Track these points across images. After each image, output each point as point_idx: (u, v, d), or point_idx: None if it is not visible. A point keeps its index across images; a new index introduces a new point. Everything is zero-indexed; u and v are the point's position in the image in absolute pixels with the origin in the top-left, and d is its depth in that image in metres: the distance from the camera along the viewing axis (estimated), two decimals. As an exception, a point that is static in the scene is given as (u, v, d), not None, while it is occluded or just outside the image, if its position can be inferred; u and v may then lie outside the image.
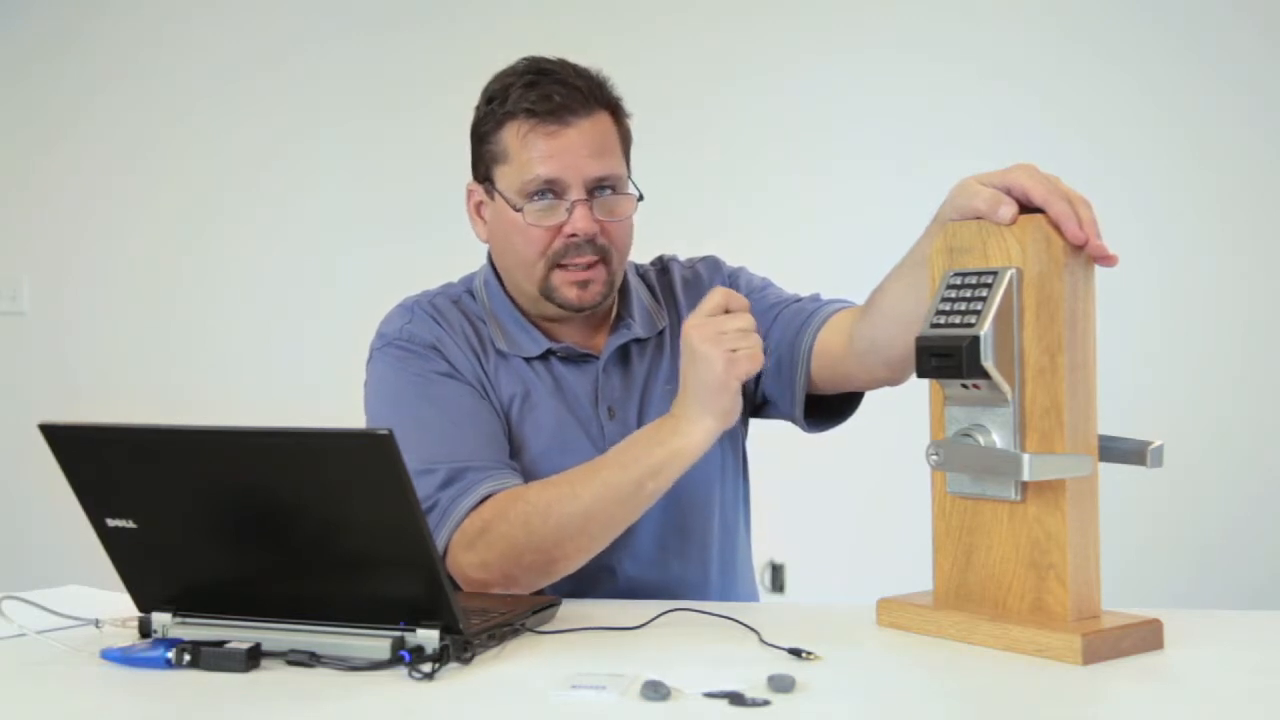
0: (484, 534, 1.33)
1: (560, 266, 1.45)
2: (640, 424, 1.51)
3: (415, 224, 3.62)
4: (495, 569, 1.33)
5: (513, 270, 1.50)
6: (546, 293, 1.47)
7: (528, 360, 1.50)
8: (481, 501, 1.36)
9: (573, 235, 1.44)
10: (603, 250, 1.46)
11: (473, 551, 1.34)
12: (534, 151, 1.43)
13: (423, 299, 1.55)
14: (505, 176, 1.46)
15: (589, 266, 1.45)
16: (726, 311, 1.30)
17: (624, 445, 1.35)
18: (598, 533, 1.34)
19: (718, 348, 1.27)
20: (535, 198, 1.43)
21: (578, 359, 1.52)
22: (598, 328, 1.55)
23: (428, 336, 1.48)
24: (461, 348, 1.49)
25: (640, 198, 1.49)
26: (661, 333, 1.57)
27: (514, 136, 1.44)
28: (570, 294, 1.46)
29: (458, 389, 1.46)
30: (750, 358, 1.28)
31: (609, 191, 1.45)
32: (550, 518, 1.32)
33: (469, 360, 1.48)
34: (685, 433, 1.31)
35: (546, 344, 1.51)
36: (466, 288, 1.57)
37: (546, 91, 1.43)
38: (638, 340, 1.54)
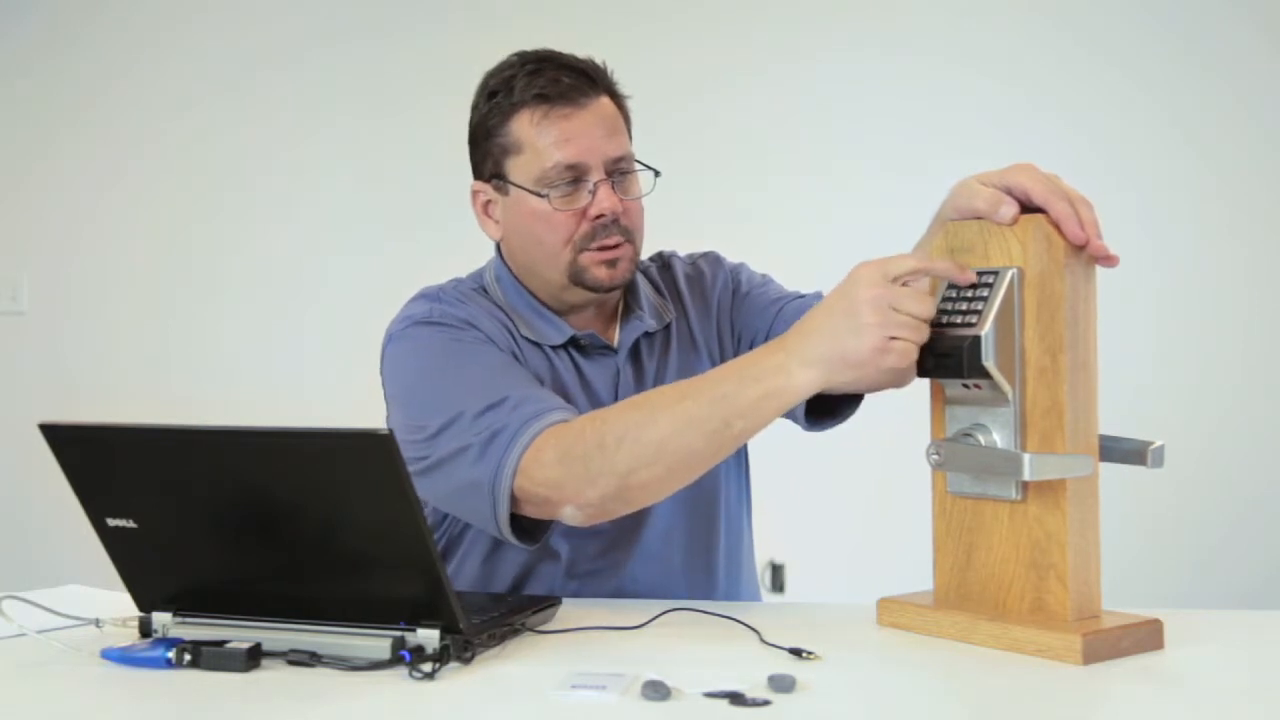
0: (558, 453, 1.26)
1: (587, 249, 1.44)
2: None
3: (415, 224, 3.62)
4: (569, 489, 1.26)
5: (536, 262, 1.48)
6: (575, 276, 1.45)
7: (552, 349, 1.49)
8: (553, 424, 1.29)
9: (599, 216, 1.42)
10: (625, 231, 1.45)
11: (546, 469, 1.26)
12: (550, 137, 1.42)
13: (445, 287, 1.53)
14: (521, 167, 1.45)
15: (616, 246, 1.44)
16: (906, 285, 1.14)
17: (717, 374, 1.24)
18: (675, 464, 1.24)
19: (882, 328, 1.12)
20: (558, 183, 1.42)
21: (597, 351, 1.51)
22: (608, 321, 1.54)
23: (461, 314, 1.46)
24: (494, 325, 1.47)
25: (657, 174, 1.48)
26: (668, 326, 1.57)
27: (527, 125, 1.43)
28: (601, 273, 1.44)
29: (498, 351, 1.43)
30: (905, 353, 1.13)
31: (625, 172, 1.45)
32: (625, 442, 1.23)
33: (503, 335, 1.46)
34: (790, 374, 1.17)
35: (570, 331, 1.49)
36: (478, 283, 1.56)
37: (554, 76, 1.43)
38: (647, 334, 1.54)
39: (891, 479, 2.70)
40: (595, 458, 1.24)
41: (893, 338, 1.12)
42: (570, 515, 1.29)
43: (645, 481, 1.25)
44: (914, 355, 1.14)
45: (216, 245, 3.79)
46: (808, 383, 1.17)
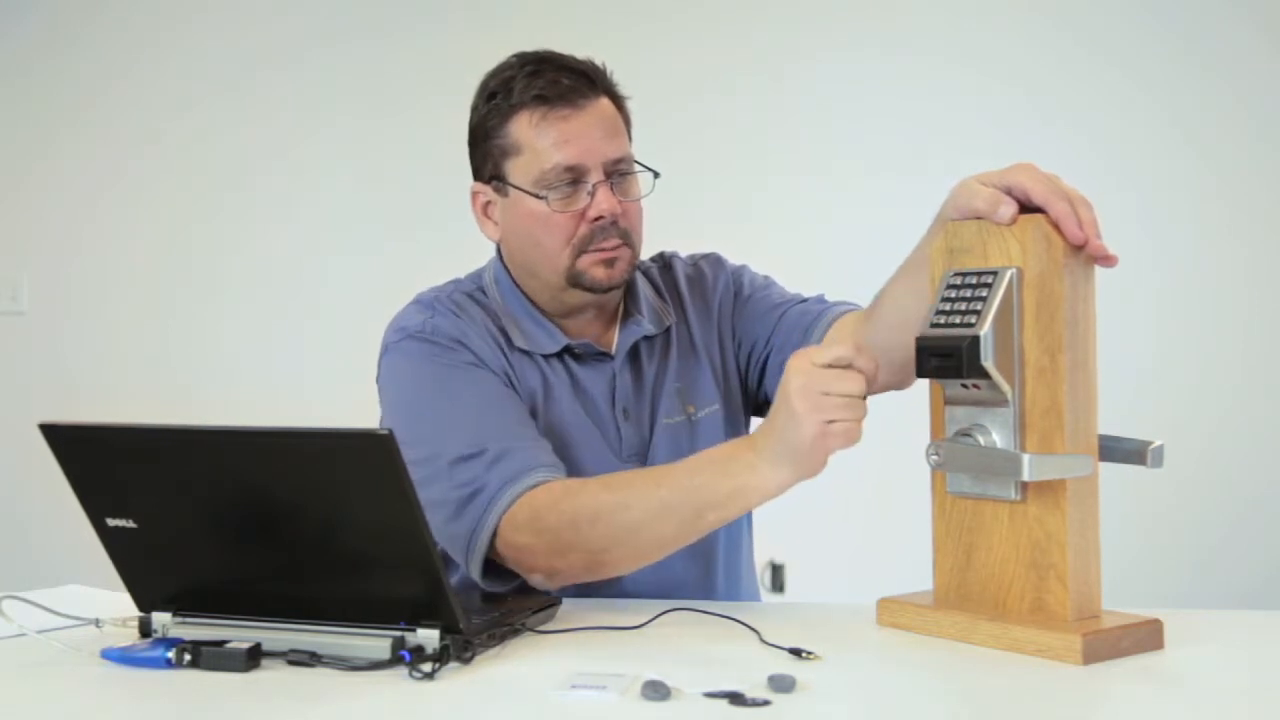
0: (533, 522, 1.30)
1: (586, 251, 1.44)
2: (652, 425, 1.51)
3: (415, 224, 3.62)
4: (540, 557, 1.31)
5: (534, 264, 1.48)
6: (573, 278, 1.45)
7: (546, 358, 1.49)
8: (532, 488, 1.32)
9: (598, 218, 1.42)
10: (624, 234, 1.45)
11: (520, 535, 1.31)
12: (549, 139, 1.42)
13: (441, 294, 1.53)
14: (520, 168, 1.45)
15: (615, 248, 1.45)
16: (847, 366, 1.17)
17: (692, 466, 1.27)
18: (646, 548, 1.29)
19: (815, 413, 1.15)
20: (557, 185, 1.42)
21: (593, 358, 1.51)
22: (608, 325, 1.54)
23: (452, 330, 1.46)
24: (486, 340, 1.47)
25: (656, 175, 1.48)
26: (668, 330, 1.57)
27: (526, 126, 1.43)
28: (599, 273, 1.45)
29: (487, 377, 1.44)
30: (846, 434, 1.16)
31: (624, 173, 1.45)
32: (598, 524, 1.27)
33: (494, 352, 1.47)
34: (760, 473, 1.20)
35: (564, 340, 1.49)
36: (476, 285, 1.56)
37: (553, 78, 1.43)
38: (646, 338, 1.54)
39: (891, 479, 2.70)
40: (567, 533, 1.28)
41: (830, 420, 1.15)
42: (538, 582, 1.34)
43: (615, 561, 1.30)
44: (857, 434, 1.16)
45: (216, 245, 3.79)
46: (776, 481, 1.21)
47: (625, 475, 1.35)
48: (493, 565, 1.35)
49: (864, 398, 1.16)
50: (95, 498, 1.13)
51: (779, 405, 1.18)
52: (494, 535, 1.32)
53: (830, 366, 1.16)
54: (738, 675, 1.02)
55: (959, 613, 1.16)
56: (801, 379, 1.16)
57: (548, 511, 1.30)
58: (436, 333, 1.45)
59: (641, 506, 1.26)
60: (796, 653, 1.09)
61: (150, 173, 3.81)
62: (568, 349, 1.50)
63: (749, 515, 1.63)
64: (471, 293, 1.54)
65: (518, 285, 1.52)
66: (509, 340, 1.49)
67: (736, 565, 1.58)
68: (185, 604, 1.15)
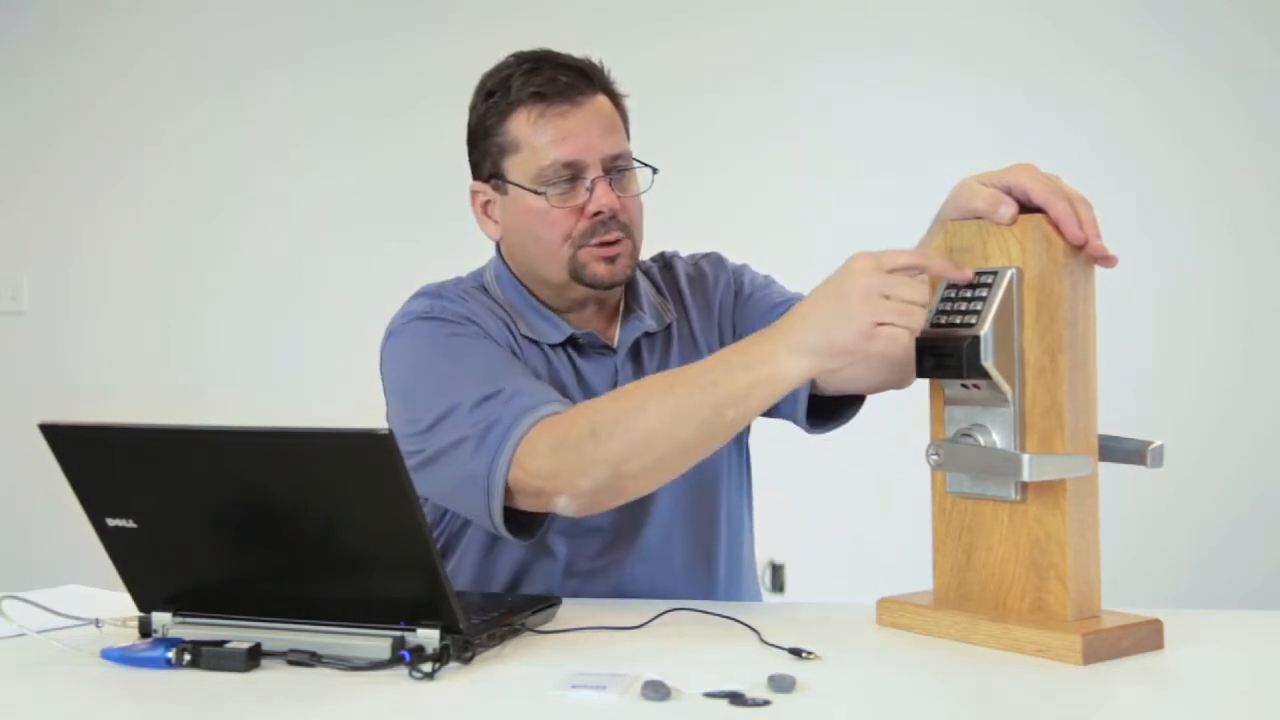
0: (551, 444, 1.27)
1: (587, 245, 1.44)
2: None
3: (415, 224, 3.62)
4: (563, 480, 1.26)
5: (535, 261, 1.48)
6: (575, 273, 1.45)
7: (551, 347, 1.50)
8: (546, 417, 1.30)
9: (597, 213, 1.43)
10: (624, 228, 1.45)
11: (540, 460, 1.27)
12: (547, 135, 1.42)
13: (446, 284, 1.54)
14: (519, 165, 1.45)
15: (616, 242, 1.45)
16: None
17: (709, 362, 1.25)
18: (666, 453, 1.24)
19: (869, 313, 1.12)
20: (555, 181, 1.43)
21: (596, 351, 1.51)
22: (609, 321, 1.54)
23: (461, 310, 1.46)
24: (494, 321, 1.47)
25: (655, 171, 1.48)
26: (669, 327, 1.57)
27: (524, 124, 1.44)
28: (600, 270, 1.45)
29: (497, 347, 1.44)
30: (891, 338, 1.12)
31: (622, 169, 1.46)
32: (616, 430, 1.23)
33: (502, 332, 1.47)
34: (779, 363, 1.18)
35: (569, 330, 1.49)
36: (477, 283, 1.56)
37: (550, 75, 1.43)
38: (647, 334, 1.54)
39: (891, 479, 2.70)
40: (587, 446, 1.25)
41: (880, 323, 1.13)
42: (564, 506, 1.29)
43: (637, 471, 1.26)
44: (903, 340, 1.13)
45: (216, 245, 3.79)
46: (797, 371, 1.19)
47: (640, 382, 1.32)
48: (512, 518, 1.32)
49: (924, 306, 1.13)
50: (95, 498, 1.13)
51: (823, 298, 1.17)
52: (511, 467, 1.28)
53: (898, 271, 1.14)
54: (738, 675, 1.02)
55: (959, 613, 1.16)
56: (868, 279, 1.13)
57: (565, 430, 1.27)
58: (445, 312, 1.46)
59: (658, 408, 1.23)
60: (796, 653, 1.09)
61: (150, 173, 3.81)
62: (572, 339, 1.50)
63: (750, 515, 1.63)
64: (475, 287, 1.54)
65: (519, 281, 1.52)
66: (515, 327, 1.49)
67: (738, 564, 1.58)
68: (185, 604, 1.15)
